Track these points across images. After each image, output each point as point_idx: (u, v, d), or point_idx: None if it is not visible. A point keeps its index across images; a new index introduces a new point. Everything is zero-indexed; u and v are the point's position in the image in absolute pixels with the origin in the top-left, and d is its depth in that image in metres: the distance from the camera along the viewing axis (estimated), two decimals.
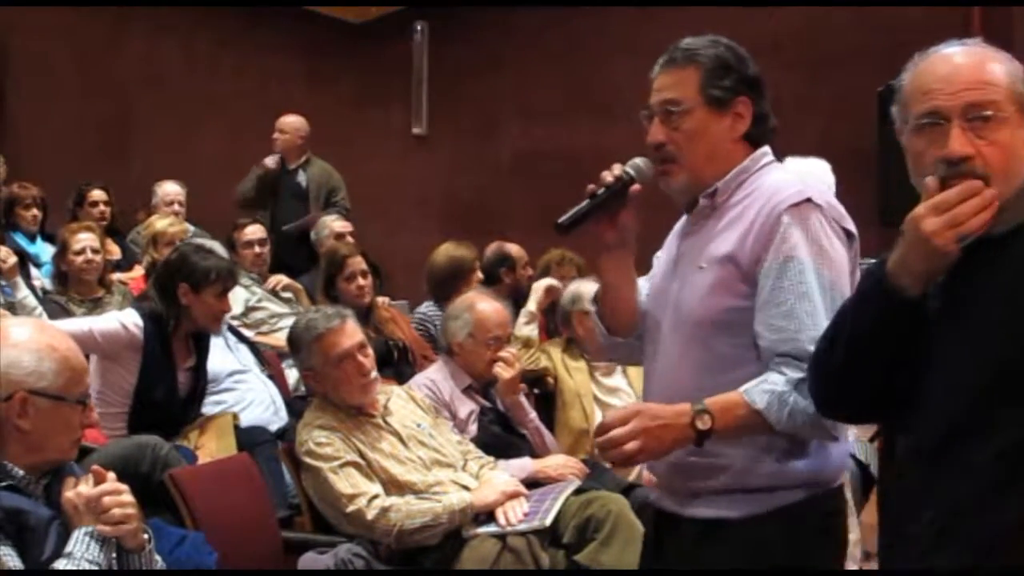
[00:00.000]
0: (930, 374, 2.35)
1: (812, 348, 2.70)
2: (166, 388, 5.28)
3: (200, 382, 5.49)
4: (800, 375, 2.75)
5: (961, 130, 2.33)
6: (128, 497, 3.04)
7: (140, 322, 5.23)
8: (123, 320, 5.25)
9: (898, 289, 2.33)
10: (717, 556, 2.94)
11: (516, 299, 7.46)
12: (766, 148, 3.06)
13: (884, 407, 2.48)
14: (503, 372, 5.46)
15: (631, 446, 2.74)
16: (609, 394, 6.01)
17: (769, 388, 2.78)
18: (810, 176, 3.01)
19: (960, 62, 2.38)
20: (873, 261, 2.45)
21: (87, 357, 3.44)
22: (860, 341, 2.42)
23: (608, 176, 3.13)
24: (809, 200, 2.87)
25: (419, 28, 11.35)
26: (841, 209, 2.95)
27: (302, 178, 9.67)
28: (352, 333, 4.91)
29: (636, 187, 3.13)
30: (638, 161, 3.13)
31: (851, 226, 2.94)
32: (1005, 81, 2.36)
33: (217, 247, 6.40)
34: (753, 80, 3.02)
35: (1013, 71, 2.38)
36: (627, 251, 3.22)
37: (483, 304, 5.65)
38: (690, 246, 3.06)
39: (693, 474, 2.97)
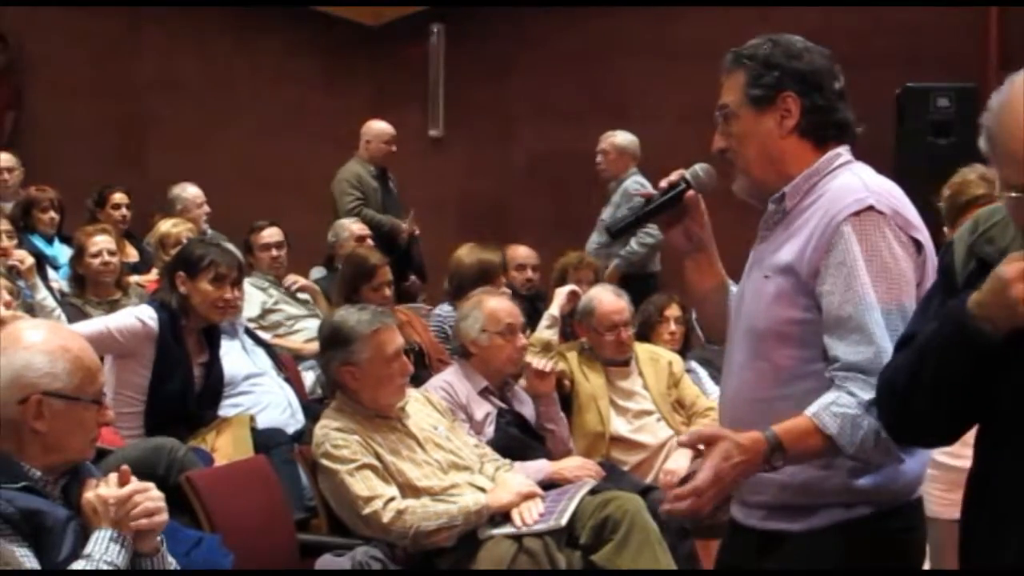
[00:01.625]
0: None
1: (882, 360, 2.65)
2: (181, 381, 5.30)
3: (214, 380, 5.50)
4: (872, 394, 2.66)
5: None
6: (157, 492, 3.04)
7: (155, 314, 5.28)
8: (138, 314, 5.30)
9: (982, 332, 2.24)
10: (773, 567, 2.92)
11: (534, 303, 7.46)
12: (840, 149, 2.97)
13: (960, 433, 2.43)
14: (538, 386, 5.59)
15: (707, 498, 2.69)
16: (625, 398, 6.00)
17: (840, 411, 2.70)
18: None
19: None
20: None
21: (101, 359, 3.43)
22: (945, 387, 2.34)
23: (663, 182, 3.13)
24: (871, 208, 2.79)
25: (435, 30, 11.35)
26: (908, 215, 2.85)
27: (393, 184, 9.72)
28: (399, 334, 5.00)
29: (691, 193, 3.11)
30: (696, 168, 3.12)
31: (919, 233, 2.84)
32: None
33: (228, 246, 6.42)
34: (804, 74, 2.94)
35: None
36: (705, 255, 3.20)
37: (490, 299, 5.74)
38: (761, 253, 3.01)
39: (755, 487, 2.93)
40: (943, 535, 4.25)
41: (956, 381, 2.32)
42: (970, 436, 2.48)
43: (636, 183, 9.10)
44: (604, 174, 9.44)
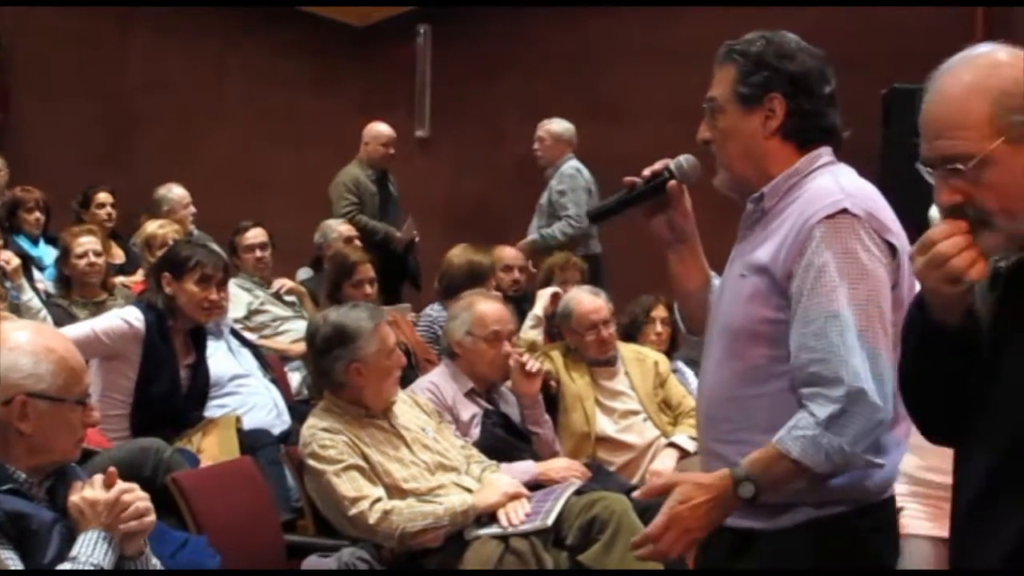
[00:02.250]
0: (995, 386, 2.22)
1: (841, 371, 2.68)
2: (168, 381, 5.31)
3: (200, 381, 5.50)
4: (830, 410, 2.70)
5: (943, 180, 2.18)
6: (142, 493, 3.04)
7: (141, 315, 5.29)
8: (124, 316, 5.31)
9: (933, 318, 2.22)
10: (745, 566, 2.92)
11: (521, 304, 7.47)
12: (822, 151, 2.96)
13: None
14: (524, 386, 5.55)
15: (664, 544, 2.76)
16: (611, 398, 6.01)
17: (800, 434, 2.72)
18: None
19: (939, 99, 2.20)
20: None
21: (87, 362, 3.42)
22: (922, 381, 2.33)
23: (646, 171, 3.13)
24: (845, 211, 2.78)
25: (422, 31, 11.35)
26: (883, 219, 2.83)
27: (393, 187, 9.72)
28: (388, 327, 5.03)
29: (673, 183, 3.11)
30: (680, 158, 3.12)
31: (894, 238, 2.83)
32: (984, 115, 2.14)
33: (216, 249, 6.42)
34: (794, 77, 2.92)
35: (1000, 95, 2.14)
36: (688, 247, 3.20)
37: (482, 302, 5.71)
38: (740, 251, 3.01)
39: None
40: (924, 552, 4.15)
41: (931, 374, 2.30)
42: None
43: (573, 167, 9.19)
44: (541, 160, 9.58)
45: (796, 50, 2.97)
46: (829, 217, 2.78)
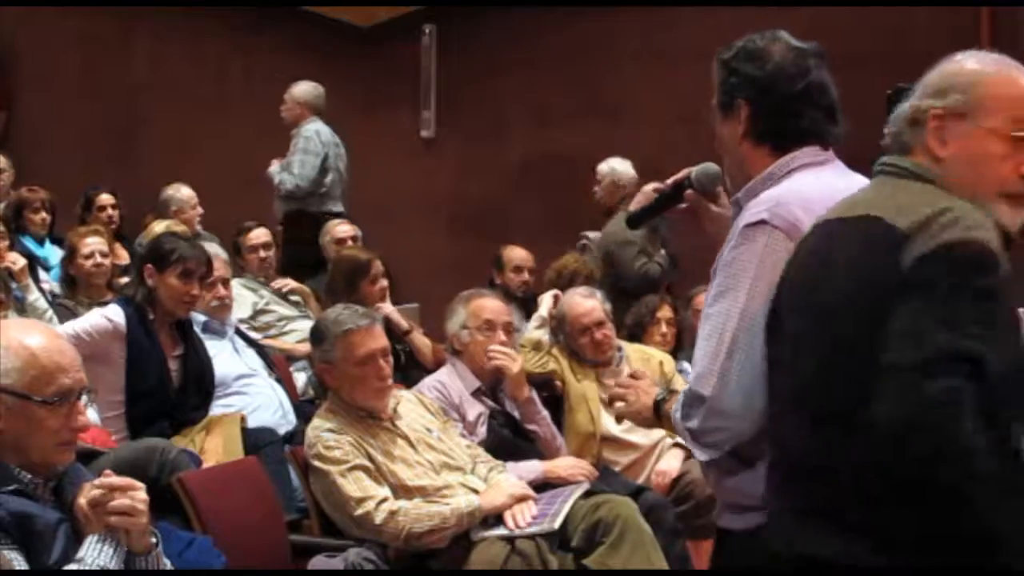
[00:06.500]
0: None
1: (697, 386, 2.76)
2: (157, 375, 5.29)
3: (194, 373, 5.48)
4: (688, 394, 2.81)
5: None
6: (141, 494, 2.98)
7: (121, 311, 5.30)
8: (105, 313, 5.33)
9: None
10: (725, 563, 2.95)
11: (528, 304, 7.49)
12: (799, 152, 2.90)
13: None
14: (508, 365, 5.48)
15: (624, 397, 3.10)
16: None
17: (682, 395, 2.87)
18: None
19: None
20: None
21: None
22: None
23: (670, 180, 3.19)
24: (763, 222, 2.75)
25: (427, 31, 11.34)
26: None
27: None
28: (379, 336, 4.95)
29: (689, 192, 3.15)
30: (697, 167, 3.16)
31: None
32: None
33: (213, 246, 6.43)
34: (755, 79, 2.90)
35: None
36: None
37: (478, 298, 5.75)
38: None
39: (717, 489, 2.98)
40: None
41: None
42: None
43: (312, 129, 9.39)
44: (285, 122, 9.66)
45: (762, 50, 2.94)
46: (749, 226, 2.78)
